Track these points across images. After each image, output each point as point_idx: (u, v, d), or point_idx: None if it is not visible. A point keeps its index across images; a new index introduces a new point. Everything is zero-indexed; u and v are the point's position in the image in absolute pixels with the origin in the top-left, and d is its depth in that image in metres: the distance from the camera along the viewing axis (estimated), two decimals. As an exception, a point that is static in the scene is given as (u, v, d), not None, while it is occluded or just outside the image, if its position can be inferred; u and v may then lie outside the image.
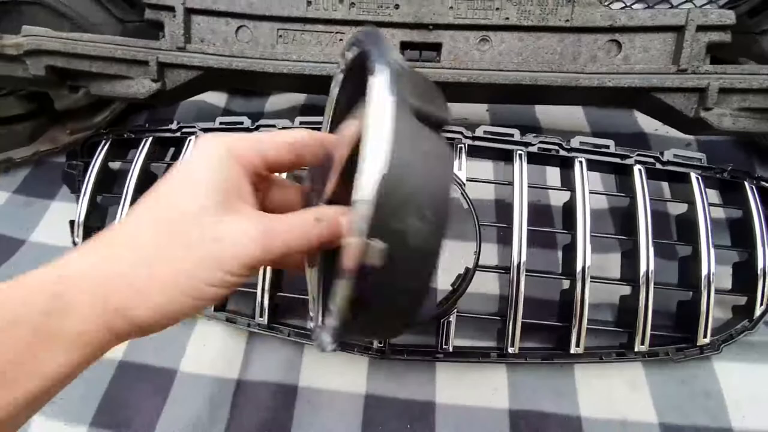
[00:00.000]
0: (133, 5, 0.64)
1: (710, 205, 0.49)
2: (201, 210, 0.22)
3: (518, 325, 0.46)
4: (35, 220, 0.64)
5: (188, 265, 0.21)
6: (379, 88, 0.20)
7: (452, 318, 0.48)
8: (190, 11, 0.55)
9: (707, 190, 0.51)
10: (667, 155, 0.51)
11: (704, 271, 0.46)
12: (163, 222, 0.22)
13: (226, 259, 0.21)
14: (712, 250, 0.47)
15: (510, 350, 0.46)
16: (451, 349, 0.47)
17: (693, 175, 0.50)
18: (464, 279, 0.47)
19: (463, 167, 0.52)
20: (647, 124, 0.67)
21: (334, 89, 0.31)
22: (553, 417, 0.47)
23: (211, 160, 0.23)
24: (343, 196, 0.26)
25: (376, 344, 0.48)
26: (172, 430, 0.47)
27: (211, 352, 0.51)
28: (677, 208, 0.53)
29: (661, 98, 0.52)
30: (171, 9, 0.54)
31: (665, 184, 0.56)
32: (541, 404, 0.47)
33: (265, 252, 0.22)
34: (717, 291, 0.47)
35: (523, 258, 0.47)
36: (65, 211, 0.65)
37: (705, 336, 0.46)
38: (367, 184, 0.19)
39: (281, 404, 0.48)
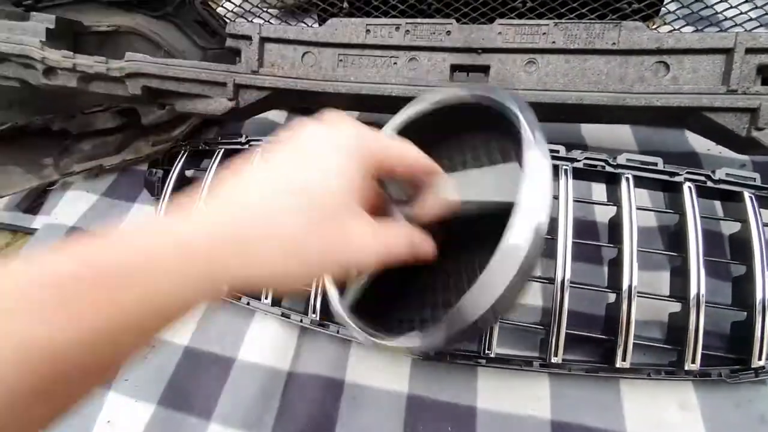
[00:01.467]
0: (214, 35, 0.73)
1: (765, 225, 0.48)
2: (335, 207, 0.23)
3: (562, 333, 0.47)
4: (119, 219, 0.73)
5: (315, 251, 0.23)
6: (539, 158, 0.25)
7: (495, 325, 0.49)
8: (264, 40, 0.62)
9: (763, 210, 0.51)
10: (719, 174, 0.51)
11: (758, 292, 0.45)
12: (299, 205, 0.23)
13: (348, 259, 0.24)
14: (766, 271, 0.46)
15: (553, 360, 0.47)
16: (493, 355, 0.49)
17: (746, 194, 0.50)
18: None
19: (509, 181, 0.54)
20: (699, 144, 0.66)
21: (425, 105, 0.33)
22: (597, 431, 0.46)
23: (345, 157, 0.24)
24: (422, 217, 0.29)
25: (420, 345, 0.50)
26: (228, 415, 0.51)
27: (266, 344, 0.55)
28: (731, 228, 0.52)
29: (712, 117, 0.53)
30: (248, 38, 0.61)
31: (718, 204, 0.55)
32: (584, 417, 0.47)
33: (377, 263, 0.25)
34: (774, 312, 0.46)
35: (568, 266, 0.48)
36: (143, 212, 0.73)
37: (760, 359, 0.45)
38: (522, 233, 0.23)
39: (328, 398, 0.51)
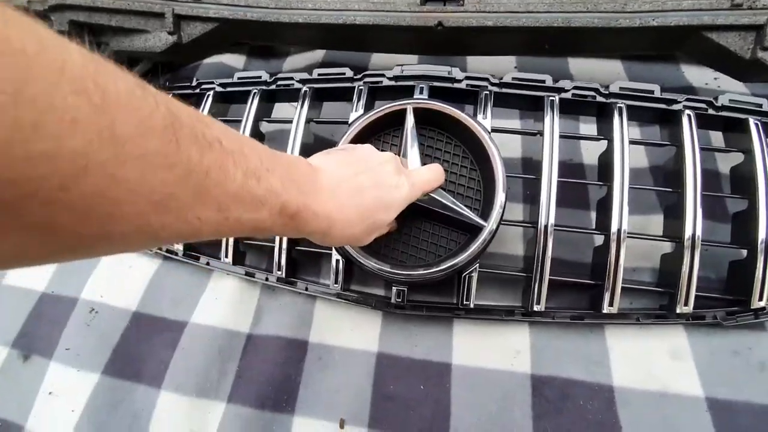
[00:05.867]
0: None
1: (772, 155, 0.43)
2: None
3: (545, 279, 0.42)
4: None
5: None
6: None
7: (474, 274, 0.44)
8: (206, -40, 0.54)
9: (768, 140, 0.46)
10: (722, 100, 0.46)
11: (762, 227, 0.41)
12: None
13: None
14: (772, 204, 0.41)
15: (536, 308, 0.43)
16: (472, 306, 0.44)
17: (751, 122, 0.44)
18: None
19: (488, 116, 0.48)
20: (696, 77, 0.61)
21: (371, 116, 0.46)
22: (582, 385, 0.43)
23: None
24: None
25: (394, 298, 0.45)
26: (181, 382, 0.47)
27: (223, 306, 0.50)
28: (732, 162, 0.47)
29: (713, 38, 0.47)
30: (188, -41, 0.53)
31: (719, 136, 0.50)
32: (568, 370, 0.43)
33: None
34: (777, 249, 0.41)
35: (552, 205, 0.43)
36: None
37: (761, 299, 0.41)
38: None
39: (291, 359, 0.47)
